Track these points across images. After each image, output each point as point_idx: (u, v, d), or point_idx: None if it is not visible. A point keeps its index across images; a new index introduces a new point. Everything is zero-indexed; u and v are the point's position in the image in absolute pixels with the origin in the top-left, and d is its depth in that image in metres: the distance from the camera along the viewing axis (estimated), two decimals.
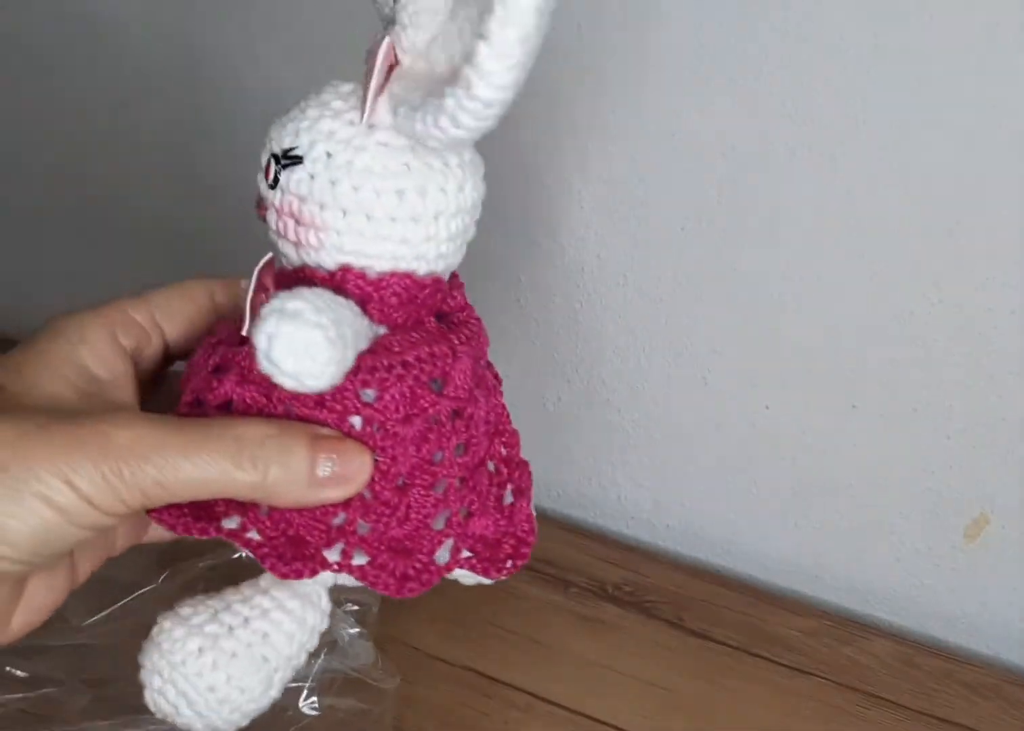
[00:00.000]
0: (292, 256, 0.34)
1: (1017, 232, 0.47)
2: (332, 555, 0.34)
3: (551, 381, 0.61)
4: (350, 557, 0.34)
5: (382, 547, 0.34)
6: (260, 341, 0.30)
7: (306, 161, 0.33)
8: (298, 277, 0.34)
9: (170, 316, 0.38)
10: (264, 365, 0.30)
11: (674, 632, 0.55)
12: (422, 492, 0.34)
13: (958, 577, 0.55)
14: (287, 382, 0.30)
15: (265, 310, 0.30)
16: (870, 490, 0.56)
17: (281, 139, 0.33)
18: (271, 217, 0.34)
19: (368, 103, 0.32)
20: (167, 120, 0.65)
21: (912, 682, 0.53)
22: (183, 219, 0.68)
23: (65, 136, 0.69)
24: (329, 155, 0.32)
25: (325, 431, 0.33)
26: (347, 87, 0.34)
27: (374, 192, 0.32)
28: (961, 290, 0.49)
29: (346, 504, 0.34)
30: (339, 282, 0.33)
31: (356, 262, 0.33)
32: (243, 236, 0.36)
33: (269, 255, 0.35)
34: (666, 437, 0.60)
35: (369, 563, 0.34)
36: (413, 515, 0.34)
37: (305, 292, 0.31)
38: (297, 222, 0.33)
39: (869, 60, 0.47)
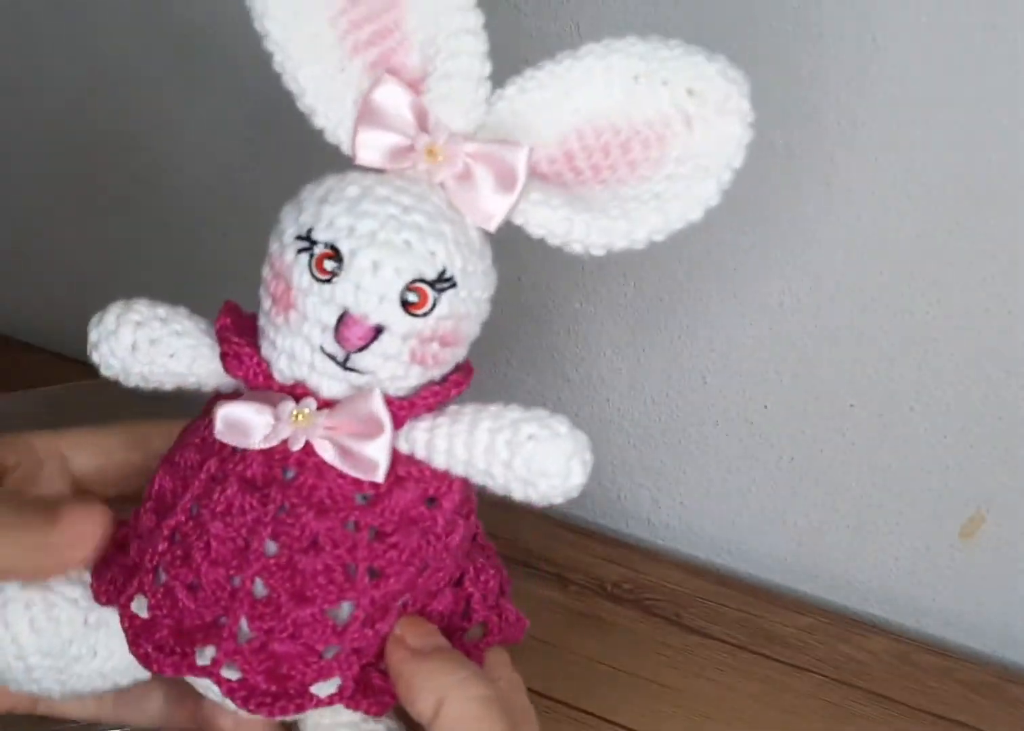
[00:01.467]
0: (414, 381, 0.31)
1: (1017, 232, 0.47)
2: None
3: (551, 381, 0.61)
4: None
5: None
6: (575, 471, 0.31)
7: (462, 279, 0.30)
8: (413, 404, 0.31)
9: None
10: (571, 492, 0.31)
11: (672, 629, 0.55)
12: (435, 573, 0.33)
13: (956, 575, 0.55)
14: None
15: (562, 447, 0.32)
16: (868, 489, 0.56)
17: (433, 263, 0.30)
18: (405, 349, 0.30)
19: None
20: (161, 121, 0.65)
21: (910, 679, 0.53)
22: (183, 220, 0.68)
23: (64, 136, 0.69)
24: (464, 269, 0.31)
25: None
26: (408, 199, 0.30)
27: (490, 280, 0.32)
28: (961, 290, 0.50)
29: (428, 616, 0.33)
30: (454, 385, 0.32)
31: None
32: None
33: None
34: (666, 437, 0.60)
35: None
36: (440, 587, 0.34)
37: (521, 411, 0.32)
38: (443, 344, 0.30)
39: (868, 60, 0.47)
